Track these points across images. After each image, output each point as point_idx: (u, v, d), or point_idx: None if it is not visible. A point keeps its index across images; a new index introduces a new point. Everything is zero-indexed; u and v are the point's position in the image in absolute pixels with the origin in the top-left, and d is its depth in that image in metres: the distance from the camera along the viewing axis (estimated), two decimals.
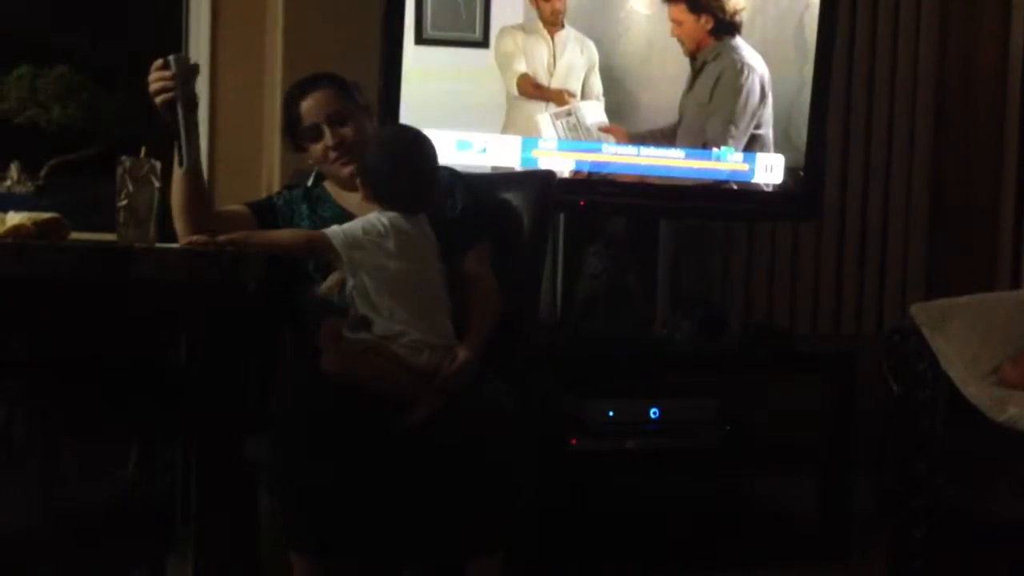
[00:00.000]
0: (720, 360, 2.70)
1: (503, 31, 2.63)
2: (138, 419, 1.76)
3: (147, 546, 1.42)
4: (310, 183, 2.24)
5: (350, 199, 2.10)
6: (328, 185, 2.19)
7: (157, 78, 1.86)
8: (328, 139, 2.08)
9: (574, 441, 2.49)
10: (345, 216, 2.05)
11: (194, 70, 1.89)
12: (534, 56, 2.65)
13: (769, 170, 2.84)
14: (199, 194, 1.99)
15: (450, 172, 2.20)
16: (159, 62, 1.90)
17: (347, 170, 2.07)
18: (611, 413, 2.55)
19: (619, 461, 2.55)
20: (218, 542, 1.51)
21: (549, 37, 2.66)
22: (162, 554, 1.46)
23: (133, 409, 1.78)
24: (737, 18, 2.77)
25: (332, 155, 2.08)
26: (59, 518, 1.30)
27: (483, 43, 2.61)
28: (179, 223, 1.99)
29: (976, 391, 2.18)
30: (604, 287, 2.77)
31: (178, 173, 1.95)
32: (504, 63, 2.63)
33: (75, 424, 1.79)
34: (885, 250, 3.27)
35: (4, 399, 2.18)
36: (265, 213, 2.11)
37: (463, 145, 2.60)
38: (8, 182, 2.12)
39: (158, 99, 1.86)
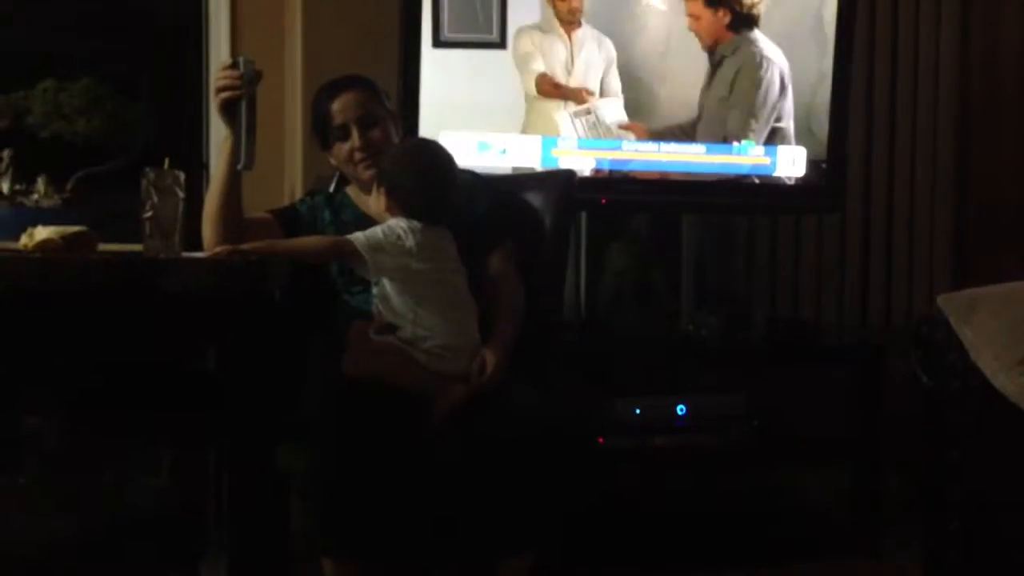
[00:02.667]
0: (746, 355, 2.70)
1: (520, 31, 2.63)
2: (169, 427, 1.78)
3: (180, 550, 1.43)
4: (332, 188, 2.25)
5: (372, 204, 2.11)
6: (350, 190, 2.20)
7: (225, 76, 1.91)
8: (355, 140, 2.09)
9: (602, 439, 2.49)
10: (366, 221, 2.06)
11: (259, 75, 1.94)
12: (552, 55, 2.65)
13: (791, 163, 2.82)
14: (237, 199, 2.02)
15: (472, 175, 2.21)
16: (227, 61, 1.98)
17: (370, 173, 2.09)
18: (637, 411, 2.54)
19: (647, 458, 2.54)
20: (251, 546, 1.53)
21: (566, 36, 2.66)
22: (195, 557, 1.47)
23: (164, 417, 1.81)
24: (754, 11, 2.76)
25: (357, 156, 2.09)
26: (93, 524, 1.32)
27: (500, 44, 2.62)
28: (209, 228, 2.02)
29: (1005, 381, 2.15)
30: (628, 285, 2.77)
31: (218, 178, 2.01)
32: (522, 63, 2.64)
33: (107, 432, 1.82)
34: (911, 241, 3.24)
35: (37, 410, 2.21)
36: (289, 220, 2.13)
37: (483, 147, 2.60)
38: (35, 196, 2.14)
39: (221, 95, 1.92)
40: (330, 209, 2.16)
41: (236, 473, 1.53)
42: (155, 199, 1.69)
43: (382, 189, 1.99)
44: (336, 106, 2.11)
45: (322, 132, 2.14)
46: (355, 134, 2.09)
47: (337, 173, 2.24)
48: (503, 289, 2.07)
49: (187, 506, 1.46)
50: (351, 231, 1.98)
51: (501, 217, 2.15)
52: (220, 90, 1.91)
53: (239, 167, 1.94)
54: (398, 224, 1.94)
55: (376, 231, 1.94)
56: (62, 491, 1.45)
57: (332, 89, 2.14)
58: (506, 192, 2.25)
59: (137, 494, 1.44)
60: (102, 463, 1.80)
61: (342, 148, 2.11)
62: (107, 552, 1.31)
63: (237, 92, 1.90)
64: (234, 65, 1.93)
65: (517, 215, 2.22)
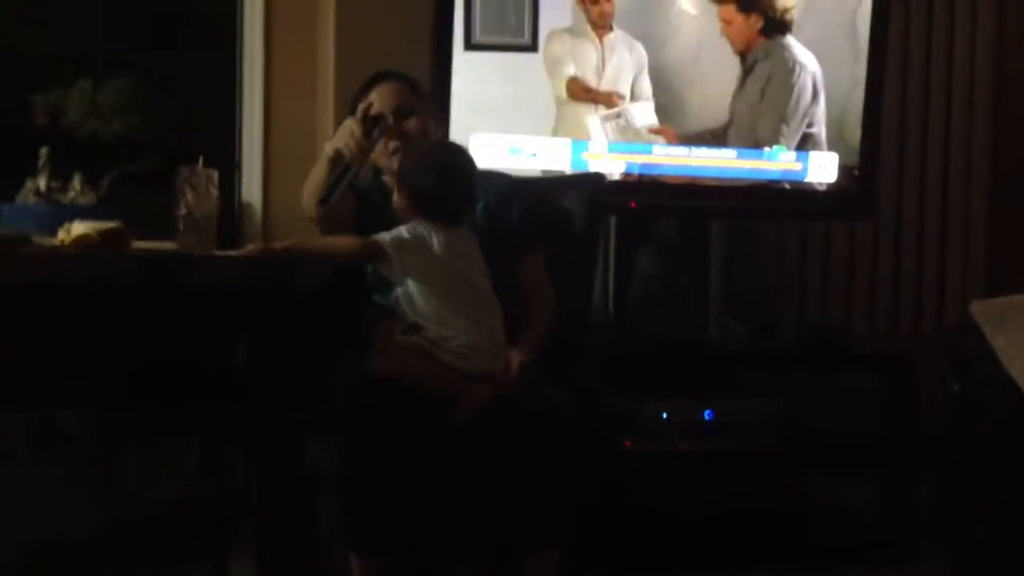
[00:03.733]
0: (775, 360, 2.69)
1: (552, 34, 2.64)
2: (200, 422, 1.80)
3: (209, 543, 1.45)
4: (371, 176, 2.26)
5: (394, 202, 2.11)
6: (387, 179, 2.21)
7: (357, 141, 2.01)
8: (391, 133, 2.10)
9: (628, 443, 2.49)
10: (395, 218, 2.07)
11: (383, 131, 2.05)
12: (583, 59, 2.65)
13: (822, 169, 2.81)
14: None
15: (507, 179, 2.22)
16: (365, 114, 2.06)
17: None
18: (664, 415, 2.54)
19: (673, 462, 2.53)
20: (279, 541, 1.54)
21: (598, 40, 2.67)
22: (225, 551, 1.49)
23: (195, 412, 1.83)
24: (787, 16, 2.75)
25: (391, 146, 2.10)
26: (125, 516, 1.34)
27: (532, 47, 2.62)
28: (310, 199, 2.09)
29: None
30: (656, 289, 2.77)
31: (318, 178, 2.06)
32: (553, 67, 2.64)
33: (139, 426, 1.84)
34: (944, 248, 3.21)
35: (72, 403, 2.24)
36: (362, 196, 2.16)
37: (514, 150, 2.61)
38: (71, 194, 2.18)
39: (343, 151, 2.01)
40: (378, 194, 2.17)
41: (264, 467, 1.55)
42: (189, 196, 1.72)
43: (403, 190, 2.00)
44: (375, 95, 2.13)
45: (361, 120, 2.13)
46: (390, 122, 2.10)
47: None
48: (535, 295, 2.08)
49: (217, 499, 1.48)
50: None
51: (535, 223, 2.15)
52: (346, 149, 2.00)
53: (322, 207, 1.99)
54: (422, 224, 1.95)
55: (401, 231, 1.95)
56: (94, 481, 1.47)
57: (373, 80, 2.17)
58: (540, 197, 2.25)
59: (168, 486, 1.46)
60: (134, 456, 1.83)
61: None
62: (138, 542, 1.33)
63: (356, 158, 1.99)
64: (367, 125, 2.02)
65: (550, 221, 2.22)
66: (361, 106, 2.07)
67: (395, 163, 2.11)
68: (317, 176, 2.09)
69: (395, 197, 2.03)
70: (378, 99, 2.12)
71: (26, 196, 2.14)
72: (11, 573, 1.16)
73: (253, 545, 1.52)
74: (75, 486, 1.49)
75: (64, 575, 1.22)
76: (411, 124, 2.12)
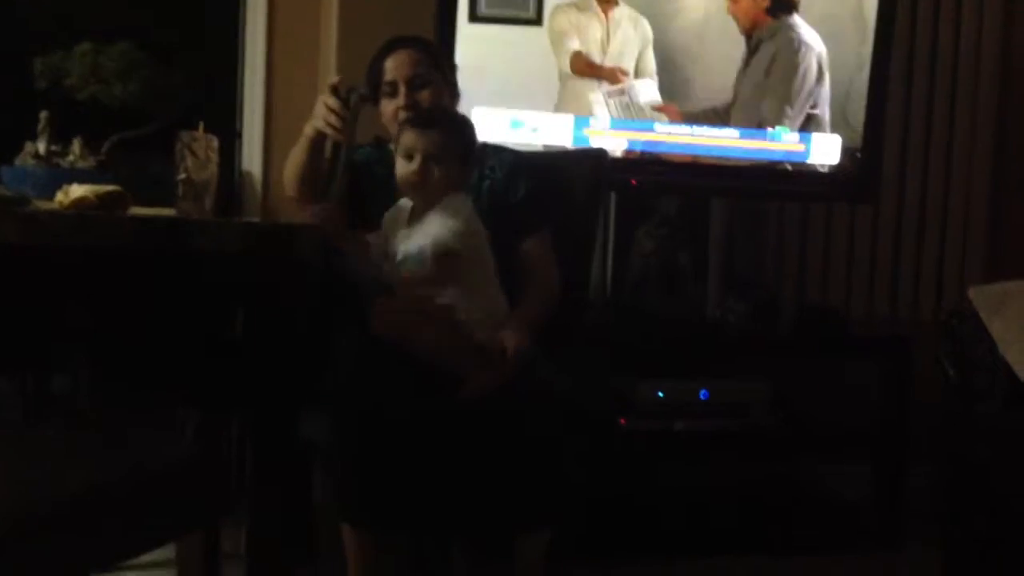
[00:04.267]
0: (772, 342, 2.68)
1: (557, 9, 2.62)
2: (194, 389, 1.80)
3: (201, 510, 1.45)
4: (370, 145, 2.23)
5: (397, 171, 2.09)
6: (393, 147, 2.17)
7: (332, 111, 1.95)
8: (401, 99, 2.07)
9: (623, 421, 2.49)
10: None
11: (365, 102, 1.97)
12: (588, 34, 2.64)
13: (825, 151, 2.80)
14: (313, 168, 2.07)
15: (514, 154, 2.20)
16: (333, 82, 1.98)
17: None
18: (661, 393, 2.54)
19: (668, 442, 2.54)
20: (270, 512, 1.54)
21: (603, 15, 2.65)
22: (216, 519, 1.49)
23: (190, 379, 1.82)
24: None
25: (401, 115, 2.05)
26: (116, 477, 1.34)
27: (537, 21, 2.61)
28: (292, 185, 2.11)
29: None
30: (655, 267, 2.76)
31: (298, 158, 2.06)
32: (557, 41, 2.63)
33: (134, 392, 1.83)
34: (944, 233, 3.21)
35: (69, 367, 2.24)
36: (360, 167, 2.13)
37: (516, 124, 2.60)
38: (71, 157, 2.16)
39: (318, 128, 1.96)
40: (381, 164, 2.13)
41: (257, 437, 1.54)
42: (188, 162, 1.71)
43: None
44: (390, 62, 2.09)
45: (374, 86, 2.11)
46: (402, 92, 2.07)
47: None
48: (539, 273, 2.07)
49: (210, 467, 1.48)
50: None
51: (542, 201, 2.14)
52: (322, 123, 1.95)
53: (326, 199, 1.94)
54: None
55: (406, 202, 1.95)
56: (87, 446, 1.47)
57: (391, 44, 2.13)
58: (546, 174, 2.23)
59: (160, 452, 1.46)
60: (128, 422, 1.83)
61: (388, 105, 2.09)
62: (129, 505, 1.33)
63: (340, 136, 1.94)
64: (340, 94, 1.94)
65: (556, 199, 2.20)
66: (330, 82, 2.02)
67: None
68: (297, 157, 2.08)
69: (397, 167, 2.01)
70: (393, 67, 2.09)
71: (25, 159, 2.12)
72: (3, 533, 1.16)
73: (245, 514, 1.52)
74: (68, 447, 1.49)
75: (54, 538, 1.22)
76: (424, 95, 2.08)
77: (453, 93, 2.18)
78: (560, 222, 2.19)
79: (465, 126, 2.02)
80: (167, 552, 1.55)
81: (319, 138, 2.01)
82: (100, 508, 1.27)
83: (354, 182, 2.08)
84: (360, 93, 1.98)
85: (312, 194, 2.05)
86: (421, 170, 1.91)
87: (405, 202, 2.00)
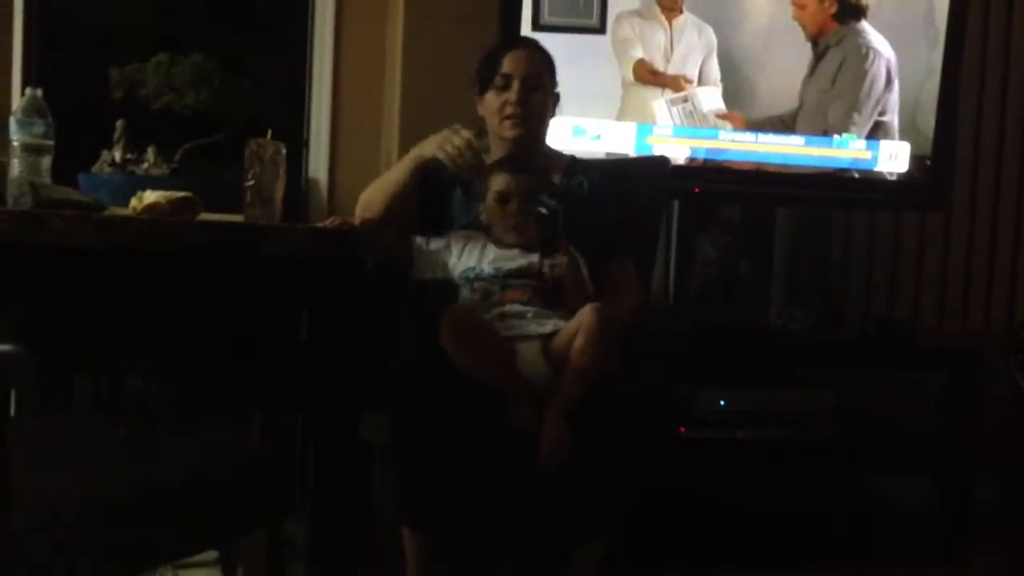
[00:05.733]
0: (837, 351, 2.64)
1: (620, 17, 2.62)
2: (261, 391, 1.84)
3: (264, 509, 1.48)
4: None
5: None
6: (486, 143, 2.17)
7: (464, 144, 1.97)
8: (513, 94, 2.07)
9: (683, 428, 2.48)
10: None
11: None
12: (651, 42, 2.64)
13: (893, 158, 2.75)
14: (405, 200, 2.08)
15: (602, 171, 2.22)
16: (468, 132, 1.99)
17: (513, 132, 2.08)
18: (722, 402, 2.52)
19: (729, 450, 2.51)
20: (331, 512, 1.56)
21: (667, 22, 2.64)
22: (279, 518, 1.52)
23: (257, 381, 1.86)
24: (863, 1, 2.69)
25: (508, 110, 2.07)
26: (182, 476, 1.38)
27: (600, 29, 2.61)
28: (377, 205, 2.06)
29: None
30: (718, 275, 2.74)
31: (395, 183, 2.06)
32: (621, 49, 2.63)
33: (202, 392, 1.88)
34: (1017, 242, 3.13)
35: (142, 368, 2.31)
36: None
37: (578, 131, 2.61)
38: (146, 165, 2.23)
39: (445, 160, 1.98)
40: (461, 188, 2.13)
41: (319, 439, 1.57)
42: (257, 168, 1.75)
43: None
44: (510, 57, 2.09)
45: (484, 77, 2.11)
46: (516, 87, 2.06)
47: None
48: (624, 293, 2.07)
49: (273, 468, 1.51)
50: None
51: (628, 224, 2.15)
52: (449, 155, 1.97)
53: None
54: None
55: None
56: (156, 444, 1.52)
57: (511, 41, 2.16)
58: (630, 193, 2.24)
59: (225, 451, 1.50)
60: (197, 422, 1.87)
61: (496, 98, 2.09)
62: (193, 502, 1.37)
63: (460, 167, 1.97)
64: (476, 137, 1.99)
65: (637, 219, 2.21)
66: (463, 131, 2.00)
67: (506, 129, 2.09)
68: (399, 178, 2.07)
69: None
70: (511, 63, 2.08)
71: (102, 167, 2.19)
72: (70, 527, 1.20)
73: (307, 515, 1.54)
74: (140, 446, 1.53)
75: (121, 532, 1.26)
76: (536, 97, 2.09)
77: (556, 104, 2.18)
78: (625, 229, 2.18)
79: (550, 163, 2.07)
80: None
81: (430, 165, 2.02)
82: (165, 504, 1.31)
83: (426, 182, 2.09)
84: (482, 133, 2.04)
85: (397, 216, 2.05)
86: (520, 96, 2.02)
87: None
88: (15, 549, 1.12)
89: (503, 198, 1.99)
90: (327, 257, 1.54)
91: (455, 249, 2.04)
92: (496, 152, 2.14)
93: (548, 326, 1.90)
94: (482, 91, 2.13)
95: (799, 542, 2.59)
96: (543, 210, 1.89)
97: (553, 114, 2.17)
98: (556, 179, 2.16)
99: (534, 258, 1.95)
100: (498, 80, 2.08)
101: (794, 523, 2.68)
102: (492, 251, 2.01)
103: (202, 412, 2.01)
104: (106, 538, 1.21)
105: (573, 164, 2.21)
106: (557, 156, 2.25)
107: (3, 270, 1.39)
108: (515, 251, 1.99)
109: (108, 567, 1.22)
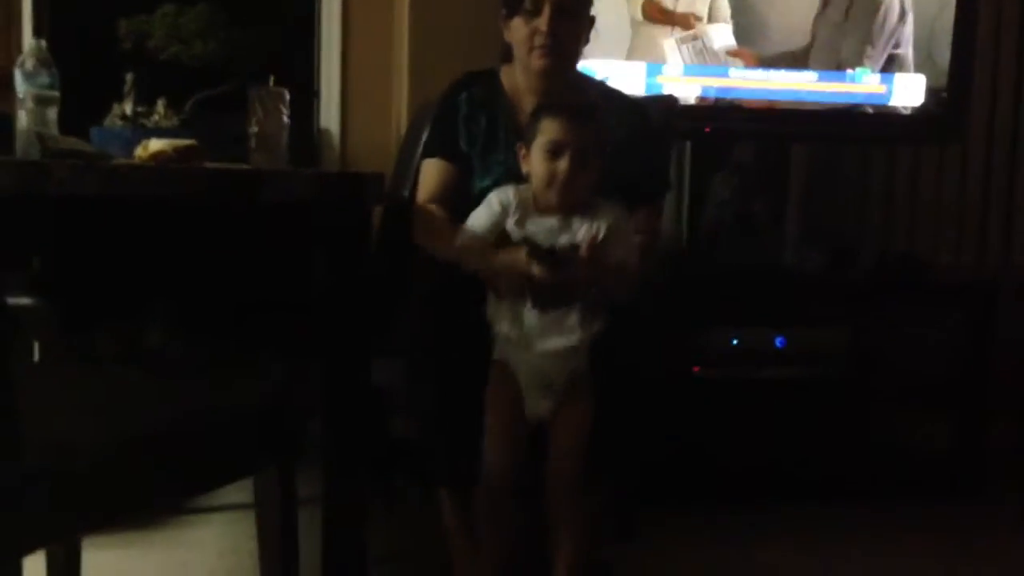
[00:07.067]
0: (850, 289, 2.63)
1: None
2: (272, 335, 1.87)
3: (276, 449, 1.51)
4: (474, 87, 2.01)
5: (525, 101, 1.96)
6: (505, 76, 2.01)
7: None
8: (543, 22, 1.88)
9: (696, 368, 2.49)
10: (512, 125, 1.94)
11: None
12: None
13: (908, 92, 2.71)
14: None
15: (629, 110, 2.06)
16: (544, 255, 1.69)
17: (542, 63, 1.91)
18: (735, 341, 2.52)
19: (743, 389, 2.52)
20: (343, 455, 1.58)
21: None
22: (291, 459, 1.55)
23: (267, 325, 1.89)
24: None
25: (538, 40, 1.89)
26: (199, 420, 1.41)
27: None
28: (430, 243, 1.91)
29: None
30: (731, 215, 2.73)
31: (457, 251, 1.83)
32: None
33: (214, 336, 1.91)
34: None
35: (159, 318, 2.35)
36: (455, 149, 1.98)
37: (587, 72, 2.58)
38: (156, 117, 2.24)
39: (534, 277, 1.70)
40: (484, 107, 1.98)
41: (331, 383, 1.59)
42: (260, 115, 1.76)
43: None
44: None
45: (511, 3, 1.93)
46: (547, 14, 1.88)
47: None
48: (643, 240, 1.89)
49: (278, 411, 1.53)
50: (509, 130, 1.92)
51: (658, 171, 2.02)
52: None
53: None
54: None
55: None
56: (171, 388, 1.55)
57: None
58: (660, 135, 2.10)
59: (242, 395, 1.52)
60: (212, 369, 1.91)
61: (525, 25, 1.91)
62: (209, 440, 1.40)
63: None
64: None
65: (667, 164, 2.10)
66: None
67: (534, 60, 1.90)
68: (445, 248, 1.82)
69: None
70: None
71: (112, 120, 2.21)
72: (90, 464, 1.24)
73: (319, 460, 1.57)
74: (150, 387, 1.57)
75: (138, 468, 1.29)
76: (567, 25, 1.89)
77: (588, 35, 1.99)
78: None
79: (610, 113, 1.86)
80: (248, 496, 1.62)
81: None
82: (178, 445, 1.34)
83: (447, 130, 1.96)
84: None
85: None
86: (571, 169, 1.72)
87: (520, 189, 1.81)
88: (26, 488, 1.16)
89: (554, 149, 1.74)
90: (329, 200, 1.55)
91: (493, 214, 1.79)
92: (523, 82, 1.98)
93: (570, 338, 1.75)
94: (509, 15, 1.94)
95: (813, 481, 2.60)
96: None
97: (587, 40, 1.99)
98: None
99: (574, 233, 1.74)
100: (527, 4, 1.89)
101: (808, 462, 2.69)
102: (528, 218, 1.77)
103: (216, 361, 2.05)
104: (112, 474, 1.24)
105: (604, 99, 2.01)
106: (587, 83, 2.09)
107: (12, 221, 1.41)
108: (553, 220, 1.76)
109: (117, 503, 1.26)
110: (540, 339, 1.75)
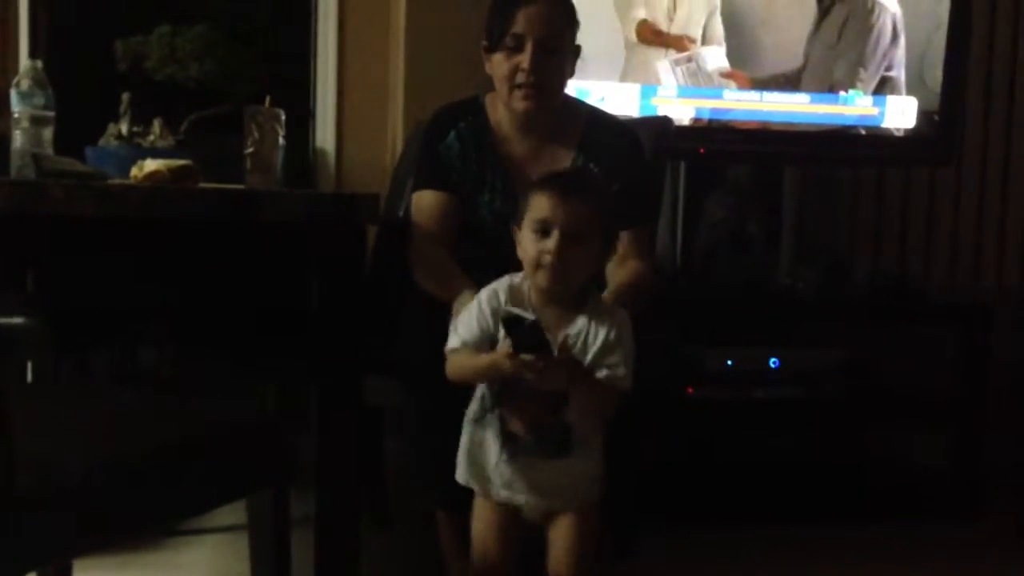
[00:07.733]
0: (844, 309, 2.64)
1: None
2: (266, 356, 1.86)
3: (271, 470, 1.51)
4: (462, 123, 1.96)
5: (511, 140, 1.91)
6: (489, 105, 1.95)
7: (539, 369, 1.46)
8: (526, 60, 1.81)
9: (691, 389, 2.49)
10: (509, 169, 1.90)
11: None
12: (654, 2, 2.62)
13: (901, 114, 2.73)
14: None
15: (614, 133, 2.02)
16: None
17: (524, 104, 1.84)
18: (730, 362, 2.52)
19: (737, 410, 2.52)
20: (335, 476, 1.58)
21: None
22: (286, 480, 1.54)
23: (262, 346, 1.88)
24: None
25: (519, 78, 1.82)
26: (195, 440, 1.40)
27: None
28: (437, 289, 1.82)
29: None
30: (725, 235, 2.74)
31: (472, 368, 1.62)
32: (623, 9, 2.62)
33: (208, 357, 1.91)
34: None
35: (153, 339, 2.34)
36: (445, 180, 1.93)
37: (582, 94, 2.59)
38: (152, 137, 2.25)
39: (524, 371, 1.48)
40: (474, 143, 1.92)
41: (324, 404, 1.58)
42: (256, 135, 1.77)
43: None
44: (523, 14, 1.82)
45: (494, 32, 1.86)
46: (529, 51, 1.81)
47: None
48: (630, 264, 1.86)
49: (271, 433, 1.53)
50: (496, 168, 1.89)
51: (643, 194, 1.94)
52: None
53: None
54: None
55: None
56: (166, 408, 1.55)
57: None
58: (645, 159, 2.04)
59: (225, 417, 1.52)
60: (206, 391, 1.90)
61: (506, 61, 1.83)
62: (203, 461, 1.40)
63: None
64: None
65: (657, 187, 2.08)
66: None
67: (516, 100, 1.84)
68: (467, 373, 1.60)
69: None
70: (525, 20, 1.81)
71: (108, 140, 2.22)
72: (83, 485, 1.23)
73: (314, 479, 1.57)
74: (146, 407, 1.56)
75: (131, 489, 1.29)
76: (550, 62, 1.82)
77: (573, 67, 1.92)
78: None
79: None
80: (241, 517, 1.61)
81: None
82: (174, 466, 1.34)
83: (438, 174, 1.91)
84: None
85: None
86: (560, 247, 1.51)
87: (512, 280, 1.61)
88: (18, 510, 1.15)
89: (543, 228, 1.53)
90: (323, 221, 1.55)
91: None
92: (504, 117, 1.94)
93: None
94: (491, 48, 1.87)
95: (809, 500, 2.60)
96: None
97: (572, 73, 1.93)
98: (573, 142, 1.94)
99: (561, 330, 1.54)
100: (508, 40, 1.82)
101: (804, 481, 2.69)
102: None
103: (210, 382, 2.04)
104: (106, 496, 1.23)
105: (591, 124, 1.98)
106: (577, 108, 2.02)
107: (7, 241, 1.41)
108: (549, 312, 1.56)
109: (111, 524, 1.25)
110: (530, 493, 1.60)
